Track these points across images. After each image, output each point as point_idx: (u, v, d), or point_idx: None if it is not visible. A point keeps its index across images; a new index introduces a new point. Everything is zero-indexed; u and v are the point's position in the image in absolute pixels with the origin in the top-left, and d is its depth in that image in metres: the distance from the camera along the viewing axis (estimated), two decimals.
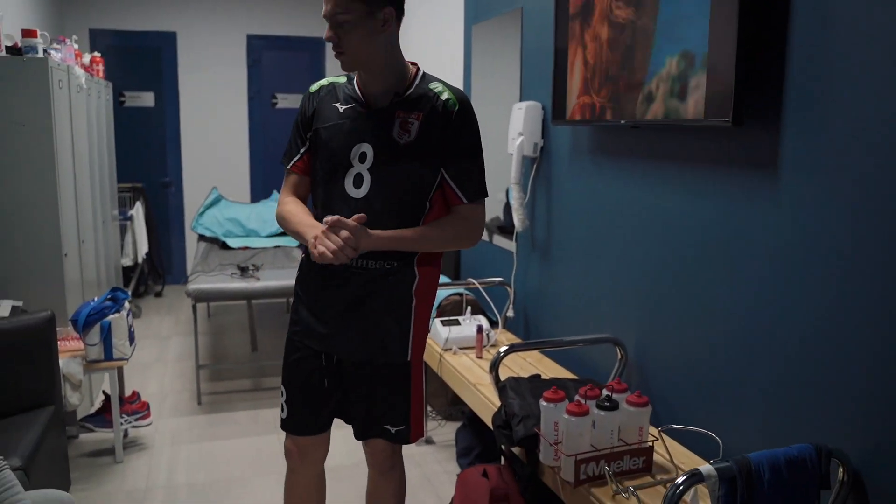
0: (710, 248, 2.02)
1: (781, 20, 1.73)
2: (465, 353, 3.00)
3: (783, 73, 1.73)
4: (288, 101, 6.65)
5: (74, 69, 3.67)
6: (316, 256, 1.69)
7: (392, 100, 1.81)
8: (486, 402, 2.50)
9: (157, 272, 6.25)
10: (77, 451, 3.23)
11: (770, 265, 1.80)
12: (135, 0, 6.14)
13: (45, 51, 3.22)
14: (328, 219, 1.70)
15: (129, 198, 5.76)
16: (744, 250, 1.88)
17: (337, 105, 1.86)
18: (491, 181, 3.14)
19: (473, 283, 3.30)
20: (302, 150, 1.92)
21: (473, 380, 2.69)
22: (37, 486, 1.96)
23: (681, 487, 1.44)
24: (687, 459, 2.03)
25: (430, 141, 1.79)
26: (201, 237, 5.36)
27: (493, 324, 3.25)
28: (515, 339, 3.21)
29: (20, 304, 3.00)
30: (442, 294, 3.34)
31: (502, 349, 2.40)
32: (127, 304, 3.23)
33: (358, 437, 1.99)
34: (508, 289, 3.27)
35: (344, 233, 1.68)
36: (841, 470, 1.55)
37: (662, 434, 1.96)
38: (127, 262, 5.49)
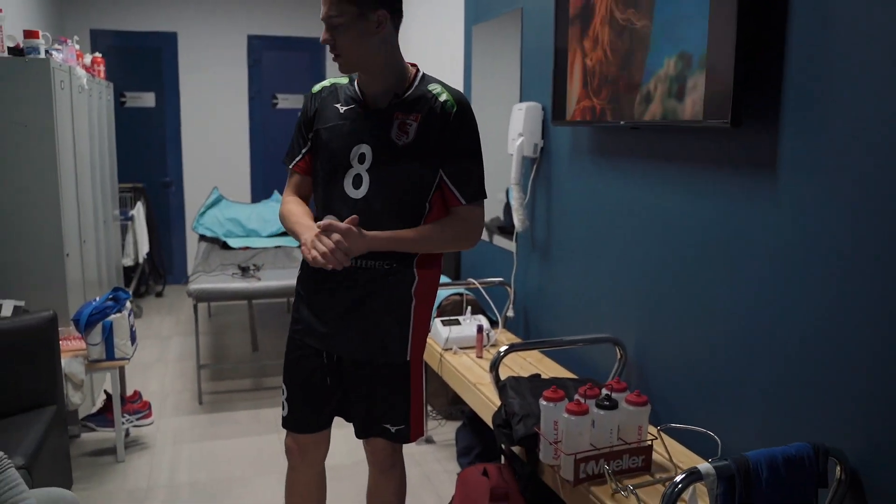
0: (709, 248, 2.03)
1: (780, 20, 1.74)
2: (466, 352, 3.01)
3: (782, 74, 1.74)
4: (288, 101, 6.67)
5: (76, 70, 3.68)
6: (309, 260, 1.70)
7: (391, 101, 1.82)
8: (486, 402, 2.51)
9: (157, 272, 6.26)
10: (79, 450, 3.24)
11: (769, 265, 1.81)
12: (135, 0, 6.16)
13: (46, 51, 3.23)
14: (321, 223, 1.71)
15: (129, 198, 5.77)
16: (743, 250, 1.89)
17: (338, 106, 1.88)
18: (491, 181, 3.14)
19: (474, 283, 3.31)
20: (303, 151, 1.94)
21: (474, 379, 2.70)
22: (39, 484, 1.96)
23: (679, 486, 1.45)
24: (686, 458, 2.04)
25: (428, 142, 1.79)
26: (202, 237, 5.37)
27: (494, 323, 3.26)
28: (515, 339, 3.23)
29: (22, 303, 3.01)
30: (442, 294, 3.35)
31: (502, 349, 2.41)
32: (128, 304, 3.24)
33: (358, 435, 2.00)
34: (508, 289, 3.28)
35: (336, 236, 1.68)
36: (838, 469, 1.56)
37: (661, 433, 1.97)
38: (128, 262, 5.50)
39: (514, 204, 3.07)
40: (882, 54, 1.49)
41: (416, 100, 1.81)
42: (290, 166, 1.96)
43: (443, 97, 1.81)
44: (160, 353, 4.74)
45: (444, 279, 3.58)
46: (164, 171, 6.43)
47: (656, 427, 1.99)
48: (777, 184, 1.77)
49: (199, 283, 3.87)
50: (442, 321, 3.11)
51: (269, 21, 6.48)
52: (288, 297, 4.70)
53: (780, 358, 1.78)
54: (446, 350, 3.03)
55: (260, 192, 6.58)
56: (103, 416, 3.28)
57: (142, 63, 6.31)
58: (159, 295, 6.24)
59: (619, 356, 2.43)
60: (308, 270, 1.94)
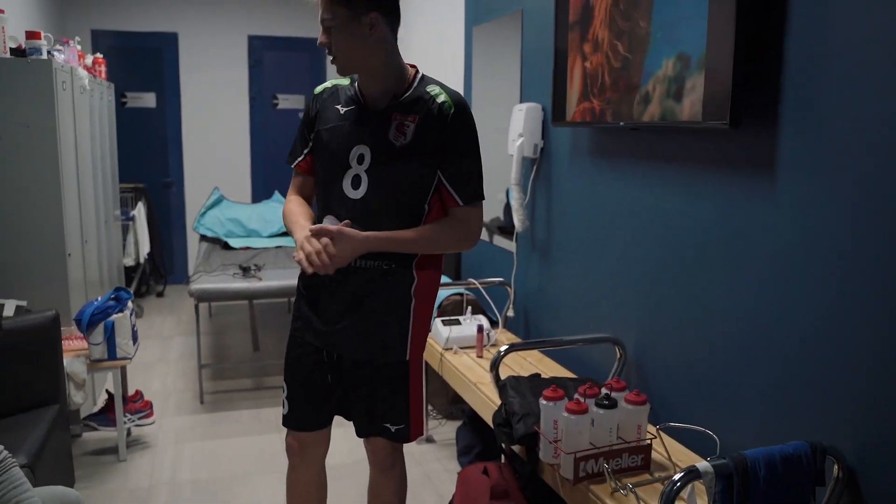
0: (708, 248, 2.04)
1: (779, 21, 1.75)
2: (466, 352, 3.02)
3: (780, 74, 1.75)
4: (289, 101, 6.68)
5: (78, 70, 3.69)
6: (295, 261, 1.72)
7: (389, 102, 1.83)
8: (486, 401, 2.52)
9: (158, 272, 6.27)
10: (80, 449, 3.25)
11: (768, 266, 1.82)
12: (136, 1, 6.17)
13: (48, 52, 3.24)
14: (313, 226, 1.74)
15: (130, 198, 5.78)
16: (742, 251, 1.91)
17: (338, 107, 1.89)
18: (491, 182, 3.14)
19: (474, 283, 3.33)
20: (305, 151, 1.97)
21: (474, 379, 2.72)
22: (42, 483, 1.97)
23: (678, 484, 1.47)
24: (685, 457, 2.05)
25: (425, 144, 1.80)
26: (203, 237, 5.39)
27: (494, 323, 3.27)
28: (515, 339, 3.24)
29: (24, 303, 3.02)
30: (443, 294, 3.36)
31: (502, 348, 2.42)
32: (130, 304, 3.25)
33: (359, 434, 2.01)
34: (508, 289, 3.29)
35: (324, 240, 1.70)
36: (836, 467, 1.58)
37: (660, 432, 1.98)
38: (129, 262, 5.51)
39: (515, 204, 3.08)
40: (880, 55, 1.50)
41: (414, 101, 1.82)
42: (293, 166, 1.99)
43: (440, 98, 1.81)
44: (161, 352, 4.76)
45: (444, 279, 3.60)
46: (164, 171, 6.45)
47: (655, 426, 2.00)
48: (775, 184, 1.78)
49: (201, 283, 3.88)
50: (442, 321, 3.12)
51: (269, 21, 6.49)
52: (289, 297, 4.71)
53: (778, 358, 1.79)
54: (447, 350, 3.04)
55: (260, 192, 6.60)
56: (105, 415, 3.29)
57: (142, 63, 6.32)
58: (160, 295, 6.26)
59: (618, 356, 2.44)
60: None
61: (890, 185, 1.48)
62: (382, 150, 1.81)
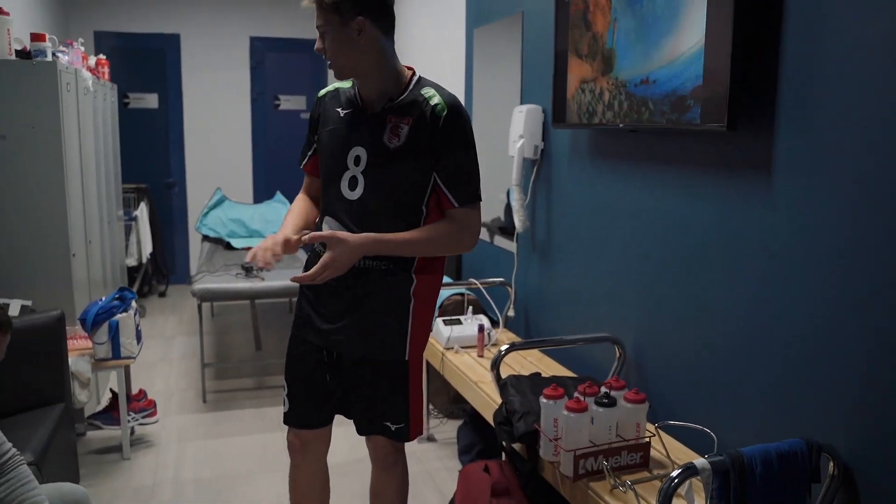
0: (707, 249, 2.06)
1: (776, 24, 1.77)
2: (467, 351, 3.05)
3: (777, 77, 1.77)
4: (290, 102, 6.71)
5: (82, 72, 3.72)
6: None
7: (385, 104, 1.86)
8: (487, 400, 2.54)
9: (160, 272, 6.30)
10: (85, 448, 3.28)
11: (765, 266, 1.84)
12: (139, 2, 6.20)
13: (53, 54, 3.26)
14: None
15: (133, 198, 5.81)
16: (740, 251, 1.93)
17: (339, 109, 1.93)
18: (492, 183, 3.15)
19: (475, 284, 3.35)
20: (309, 153, 2.03)
21: (475, 378, 2.74)
22: (48, 481, 2.00)
23: (675, 481, 1.49)
24: (683, 455, 2.07)
25: (419, 146, 1.81)
26: (205, 237, 5.41)
27: (494, 323, 3.29)
28: (516, 338, 3.26)
29: (29, 303, 3.05)
30: (444, 294, 3.38)
31: (503, 348, 2.44)
32: (134, 304, 3.28)
33: (359, 433, 2.04)
34: (509, 289, 3.31)
35: (269, 240, 1.83)
36: (831, 464, 1.60)
37: (659, 430, 2.00)
38: (131, 262, 5.54)
39: (515, 205, 3.11)
40: (876, 56, 1.52)
41: (409, 104, 1.84)
42: (301, 167, 2.06)
43: (434, 101, 1.82)
44: (164, 352, 4.78)
45: (445, 279, 3.62)
46: (167, 171, 6.47)
47: (654, 424, 2.03)
48: (772, 186, 1.81)
49: (204, 283, 3.91)
50: (443, 321, 3.15)
51: (271, 23, 6.52)
52: (290, 297, 4.74)
53: (775, 357, 1.82)
54: (448, 349, 3.07)
55: (262, 192, 6.62)
56: (109, 414, 3.32)
57: (145, 64, 6.35)
58: (162, 295, 6.28)
59: (618, 355, 2.46)
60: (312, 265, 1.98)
61: (886, 184, 1.50)
62: (377, 152, 1.84)
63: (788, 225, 1.76)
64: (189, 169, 6.51)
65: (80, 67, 3.72)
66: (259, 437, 3.48)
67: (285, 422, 2.06)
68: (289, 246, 1.86)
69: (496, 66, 3.57)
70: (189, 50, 6.37)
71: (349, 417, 2.04)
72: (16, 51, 3.16)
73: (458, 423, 3.35)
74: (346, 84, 1.96)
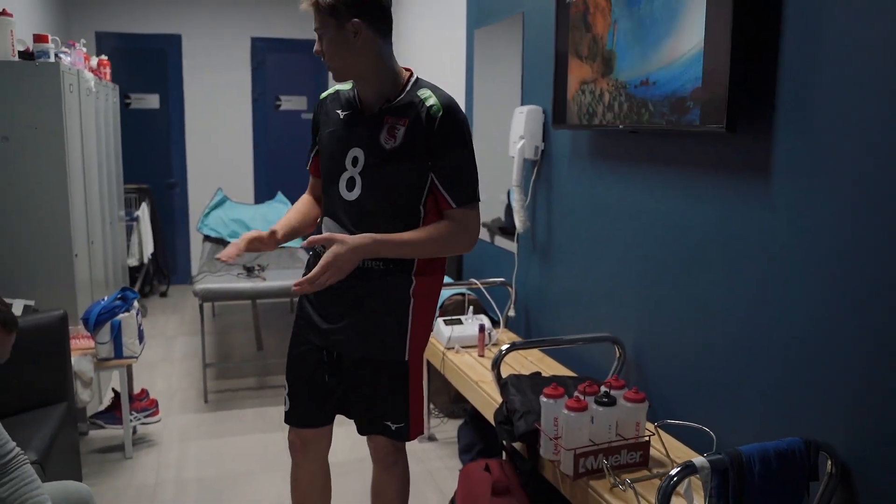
0: (707, 250, 2.07)
1: (775, 23, 1.78)
2: (468, 351, 3.06)
3: (776, 79, 1.78)
4: (291, 102, 6.72)
5: (84, 73, 3.73)
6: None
7: (382, 106, 1.87)
8: (487, 399, 2.56)
9: (162, 272, 6.31)
10: (87, 447, 3.29)
11: (764, 267, 1.85)
12: (140, 3, 6.21)
13: (56, 55, 3.28)
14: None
15: (134, 199, 5.82)
16: (740, 252, 1.94)
17: (339, 111, 1.95)
18: (493, 183, 3.17)
19: (475, 284, 3.36)
20: (312, 155, 2.06)
21: (475, 377, 2.75)
22: (51, 480, 2.01)
23: (675, 479, 1.50)
24: (682, 454, 2.09)
25: (414, 147, 1.82)
26: (206, 238, 5.42)
27: (495, 323, 3.31)
28: (516, 338, 3.28)
29: (32, 303, 3.06)
30: (445, 294, 3.40)
31: (504, 347, 2.45)
32: (136, 304, 3.29)
33: (360, 432, 2.05)
34: (510, 289, 3.33)
35: (236, 245, 1.89)
36: (829, 462, 1.61)
37: (658, 429, 2.02)
38: (132, 262, 5.55)
39: (516, 205, 3.12)
40: (875, 57, 1.53)
41: (406, 105, 1.85)
42: (307, 168, 2.09)
43: (429, 102, 1.82)
44: (165, 352, 4.80)
45: (446, 279, 3.63)
46: (168, 171, 6.49)
47: (654, 423, 2.04)
48: (771, 188, 1.82)
49: (205, 283, 3.92)
50: (444, 321, 3.16)
51: (272, 23, 6.53)
52: (292, 297, 4.75)
53: (774, 357, 1.83)
54: (449, 349, 3.08)
55: (263, 193, 6.64)
56: (111, 413, 3.33)
57: (146, 65, 6.36)
58: (164, 295, 6.30)
59: (617, 355, 2.47)
60: (312, 269, 1.99)
61: (885, 186, 1.51)
62: (374, 153, 1.85)
63: (788, 226, 1.77)
64: (190, 169, 6.52)
65: (82, 68, 3.74)
66: (260, 437, 3.49)
67: (286, 421, 2.07)
68: (263, 241, 1.90)
69: (497, 66, 3.59)
70: (190, 50, 6.38)
71: (350, 417, 2.05)
72: (19, 52, 3.16)
73: (459, 422, 3.36)
74: (347, 86, 1.98)
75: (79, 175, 3.50)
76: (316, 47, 1.84)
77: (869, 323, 1.55)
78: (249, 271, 4.19)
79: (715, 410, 2.04)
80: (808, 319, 1.72)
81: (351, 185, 1.88)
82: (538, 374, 2.55)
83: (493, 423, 2.40)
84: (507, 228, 3.44)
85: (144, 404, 3.40)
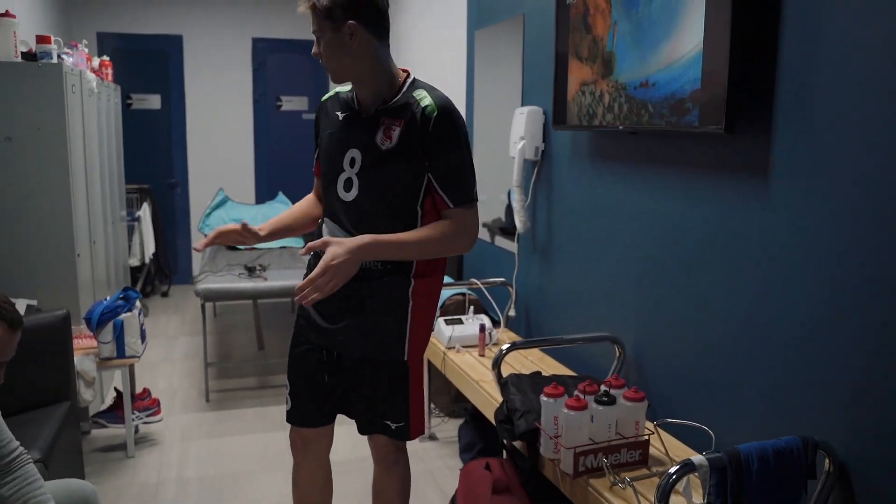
0: (706, 250, 2.08)
1: (774, 23, 1.79)
2: (468, 351, 3.07)
3: (774, 80, 1.79)
4: (292, 103, 6.73)
5: (86, 74, 3.74)
6: None
7: (379, 107, 1.88)
8: (488, 399, 2.57)
9: (163, 272, 6.33)
10: (89, 446, 3.30)
11: (763, 267, 1.86)
12: (141, 4, 6.23)
13: (58, 56, 3.29)
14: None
15: (136, 199, 5.84)
16: (739, 253, 1.95)
17: (338, 113, 1.96)
18: (493, 183, 3.18)
19: (476, 284, 3.37)
20: (315, 156, 2.07)
21: (476, 377, 2.76)
22: (54, 479, 2.02)
23: (674, 477, 1.51)
24: (681, 452, 2.10)
25: (410, 147, 1.83)
26: None
27: (495, 323, 3.32)
28: (517, 338, 3.29)
29: (35, 303, 3.08)
30: (445, 294, 3.41)
31: (504, 347, 2.46)
32: (138, 304, 3.31)
33: (361, 432, 2.06)
34: (510, 289, 3.34)
35: (208, 237, 1.94)
36: (827, 461, 1.62)
37: (658, 428, 2.03)
38: (134, 262, 5.57)
39: (516, 206, 3.13)
40: (874, 57, 1.54)
41: (402, 106, 1.86)
42: (313, 169, 2.11)
43: (424, 102, 1.83)
44: (167, 352, 4.81)
45: (447, 279, 3.64)
46: (169, 172, 6.50)
47: (653, 422, 2.05)
48: (771, 188, 1.83)
49: (207, 283, 3.93)
50: (445, 320, 3.17)
51: (273, 24, 6.54)
52: (293, 297, 4.76)
53: (774, 357, 1.84)
54: (449, 349, 3.09)
55: (264, 193, 6.65)
56: (114, 412, 3.34)
57: (148, 65, 6.38)
58: (165, 295, 6.31)
59: (617, 354, 2.48)
60: (313, 269, 2.01)
61: (885, 186, 1.52)
62: (370, 154, 1.86)
63: (787, 226, 1.78)
64: (191, 169, 6.54)
65: (84, 69, 3.75)
66: (262, 436, 3.50)
67: (287, 420, 2.08)
68: (238, 234, 1.96)
69: (497, 67, 3.60)
70: (191, 51, 6.40)
71: (350, 417, 2.06)
72: (21, 53, 3.18)
73: (460, 421, 3.37)
74: (346, 88, 1.99)
75: (81, 175, 3.51)
76: (314, 49, 1.86)
77: (868, 323, 1.56)
78: (251, 271, 4.21)
79: (714, 410, 2.05)
80: (807, 319, 1.73)
81: (349, 185, 1.89)
82: (538, 373, 2.56)
83: (493, 422, 2.41)
84: (507, 229, 3.45)
85: (146, 404, 3.41)
